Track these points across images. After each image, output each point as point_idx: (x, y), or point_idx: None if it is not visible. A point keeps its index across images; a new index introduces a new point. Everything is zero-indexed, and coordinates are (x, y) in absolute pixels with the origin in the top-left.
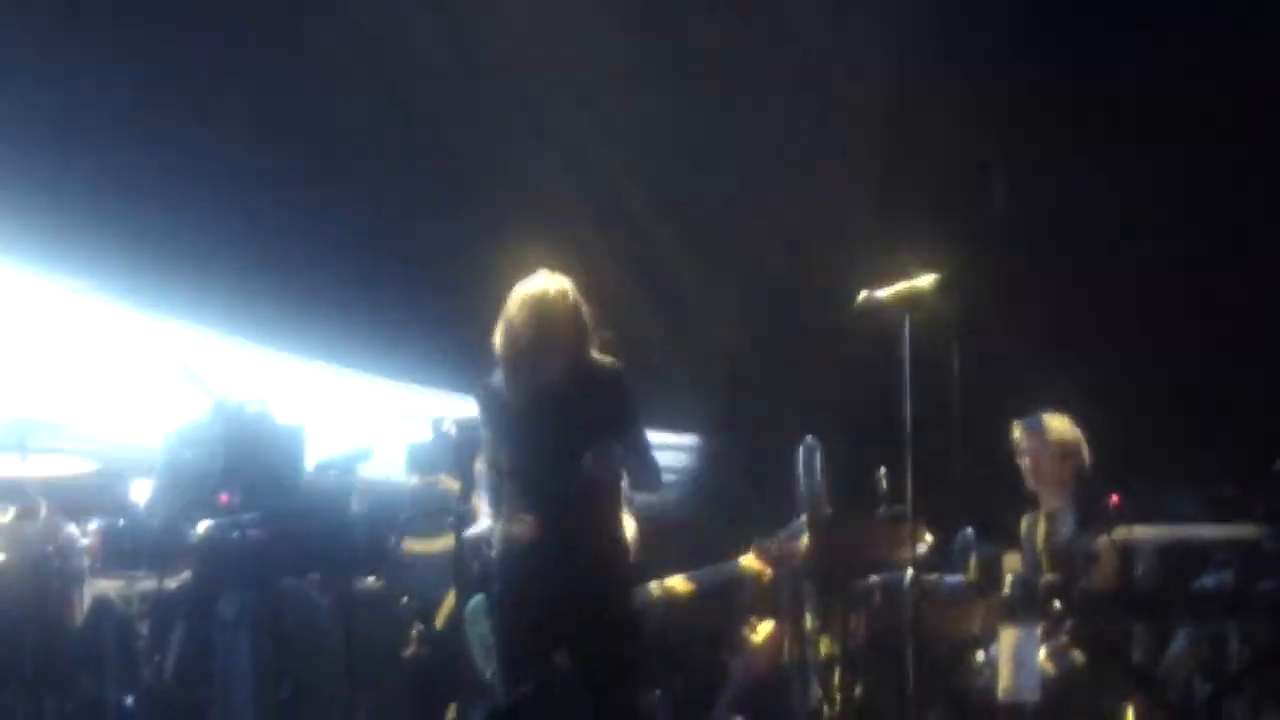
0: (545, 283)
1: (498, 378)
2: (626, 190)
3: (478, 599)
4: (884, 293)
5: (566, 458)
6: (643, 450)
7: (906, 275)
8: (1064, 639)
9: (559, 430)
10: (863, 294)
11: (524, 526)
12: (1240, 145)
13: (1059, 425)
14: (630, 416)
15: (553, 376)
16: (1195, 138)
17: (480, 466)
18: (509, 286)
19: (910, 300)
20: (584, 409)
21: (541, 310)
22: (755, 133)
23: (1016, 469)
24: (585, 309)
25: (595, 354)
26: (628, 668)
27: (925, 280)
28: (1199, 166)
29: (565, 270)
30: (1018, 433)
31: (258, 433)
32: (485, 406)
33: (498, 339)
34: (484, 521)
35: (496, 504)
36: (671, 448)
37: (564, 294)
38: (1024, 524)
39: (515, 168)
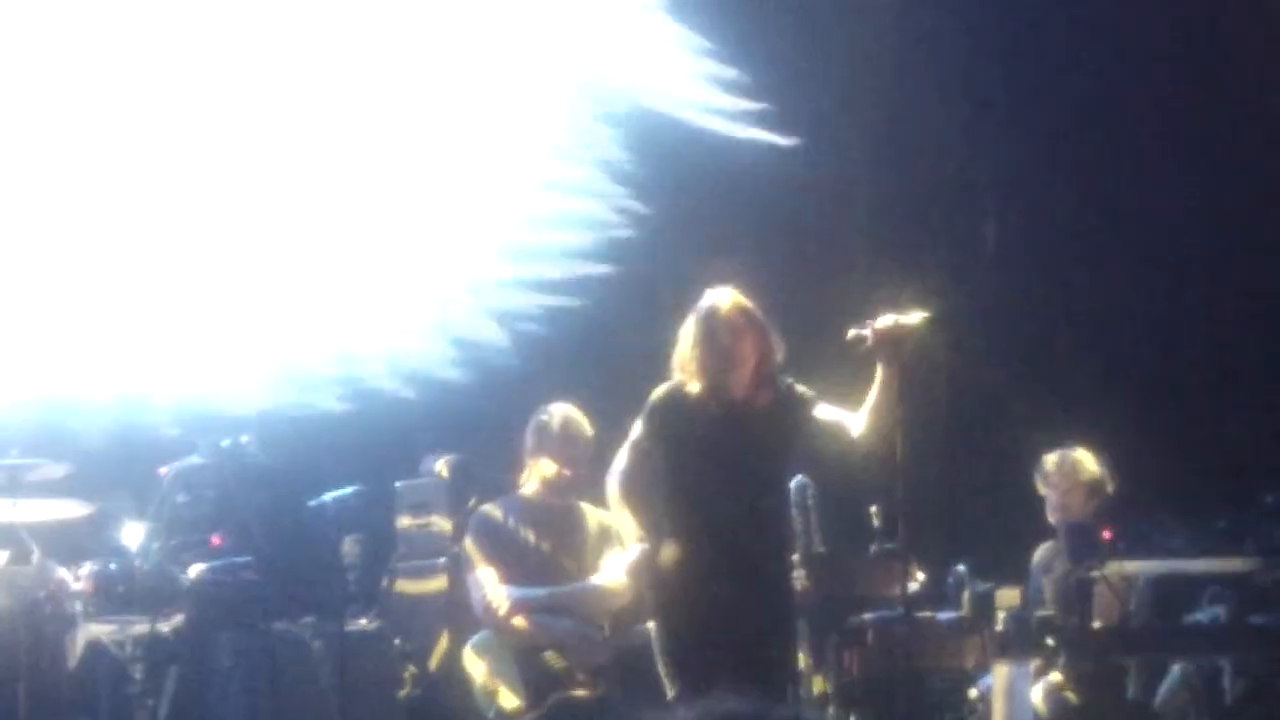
0: (731, 297)
1: (674, 391)
2: None
3: (480, 637)
4: (871, 329)
5: (754, 472)
6: (829, 422)
7: (897, 311)
8: (1058, 675)
9: (745, 447)
10: (851, 331)
11: (700, 550)
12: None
13: (1090, 463)
14: (806, 416)
15: (739, 391)
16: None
17: (616, 478)
18: None
19: (898, 337)
20: (768, 426)
21: (731, 322)
22: None
23: (1010, 505)
24: (770, 326)
25: (777, 371)
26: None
27: (915, 318)
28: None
29: None
30: (1050, 465)
31: (250, 475)
32: (661, 421)
33: (683, 350)
34: (635, 547)
35: (657, 526)
36: None
37: (749, 309)
38: (1038, 555)
39: None
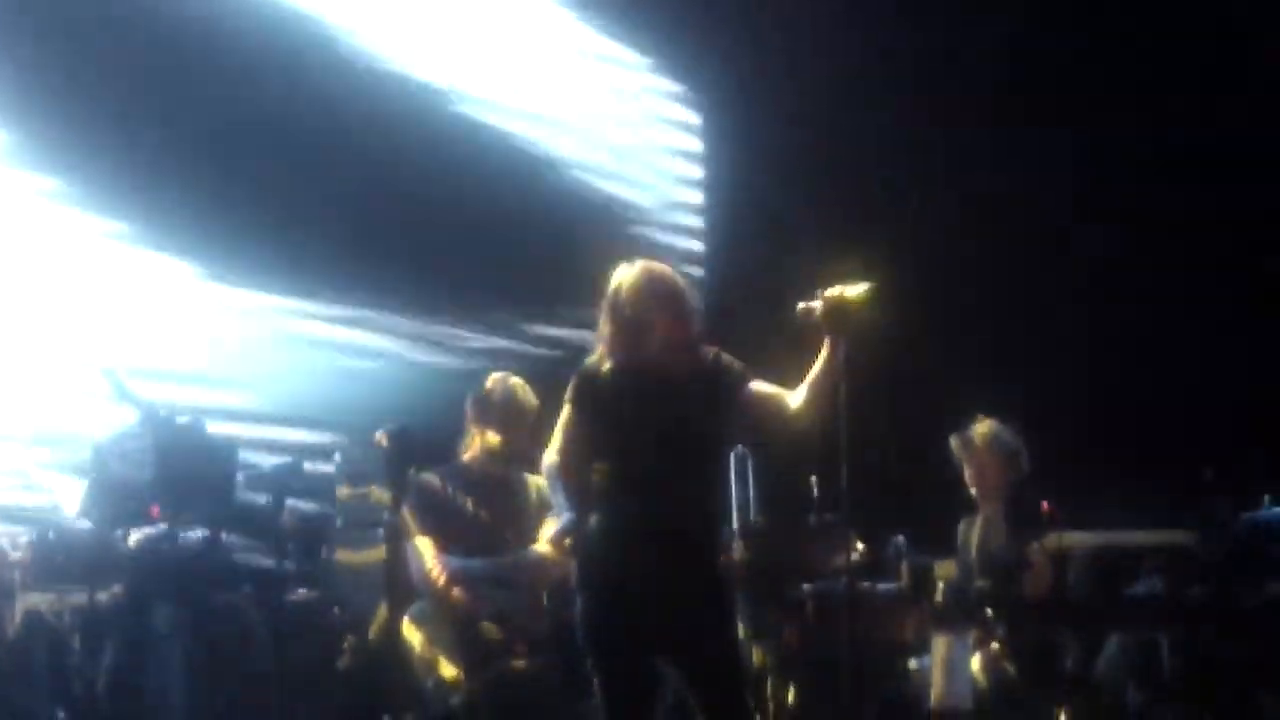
0: (635, 269)
1: (591, 367)
2: None
3: (418, 607)
4: (818, 302)
5: (671, 439)
6: (765, 396)
7: (841, 283)
8: (996, 646)
9: (662, 417)
10: (800, 304)
11: (624, 515)
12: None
13: (999, 432)
14: (732, 386)
15: (650, 363)
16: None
17: (551, 458)
18: None
19: (843, 309)
20: (685, 395)
21: (632, 295)
22: None
23: (949, 475)
24: (690, 292)
25: (697, 337)
26: (737, 659)
27: (858, 289)
28: (1128, 160)
29: None
30: (956, 442)
31: (188, 444)
32: (580, 397)
33: (605, 318)
34: (562, 516)
35: (581, 495)
36: None
37: (656, 279)
38: (960, 529)
39: None
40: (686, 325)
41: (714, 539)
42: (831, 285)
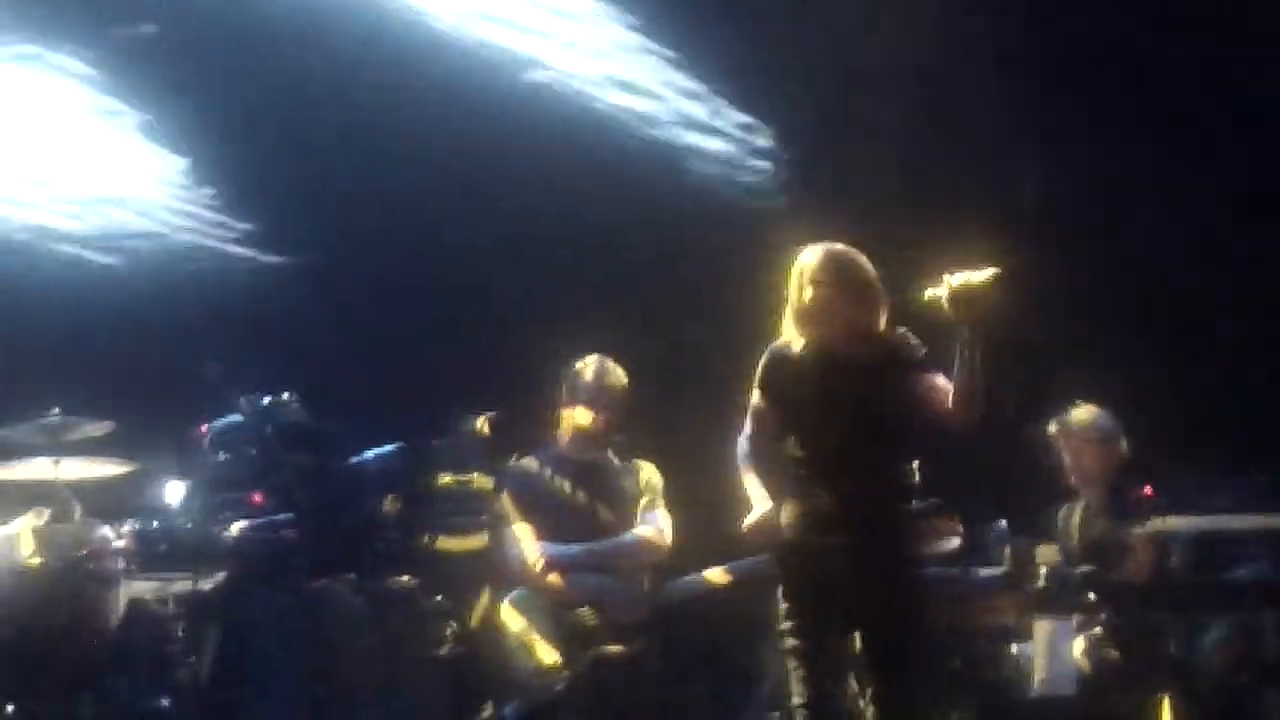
0: (820, 252)
1: (778, 350)
2: None
3: (518, 593)
4: (944, 289)
5: (859, 421)
6: (932, 390)
7: (964, 267)
8: (1098, 631)
9: (846, 401)
10: (927, 292)
11: (817, 500)
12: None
13: (1097, 417)
14: (908, 369)
15: (837, 345)
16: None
17: (745, 444)
18: None
19: (970, 295)
20: (869, 379)
21: (817, 278)
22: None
23: (1050, 461)
24: (870, 278)
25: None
26: (921, 648)
27: (984, 274)
28: (1235, 151)
29: None
30: (1055, 428)
31: (291, 432)
32: (768, 381)
33: (789, 300)
34: (757, 506)
35: (770, 480)
36: None
37: (843, 262)
38: (1060, 515)
39: None
40: (871, 307)
41: (905, 522)
42: (955, 271)
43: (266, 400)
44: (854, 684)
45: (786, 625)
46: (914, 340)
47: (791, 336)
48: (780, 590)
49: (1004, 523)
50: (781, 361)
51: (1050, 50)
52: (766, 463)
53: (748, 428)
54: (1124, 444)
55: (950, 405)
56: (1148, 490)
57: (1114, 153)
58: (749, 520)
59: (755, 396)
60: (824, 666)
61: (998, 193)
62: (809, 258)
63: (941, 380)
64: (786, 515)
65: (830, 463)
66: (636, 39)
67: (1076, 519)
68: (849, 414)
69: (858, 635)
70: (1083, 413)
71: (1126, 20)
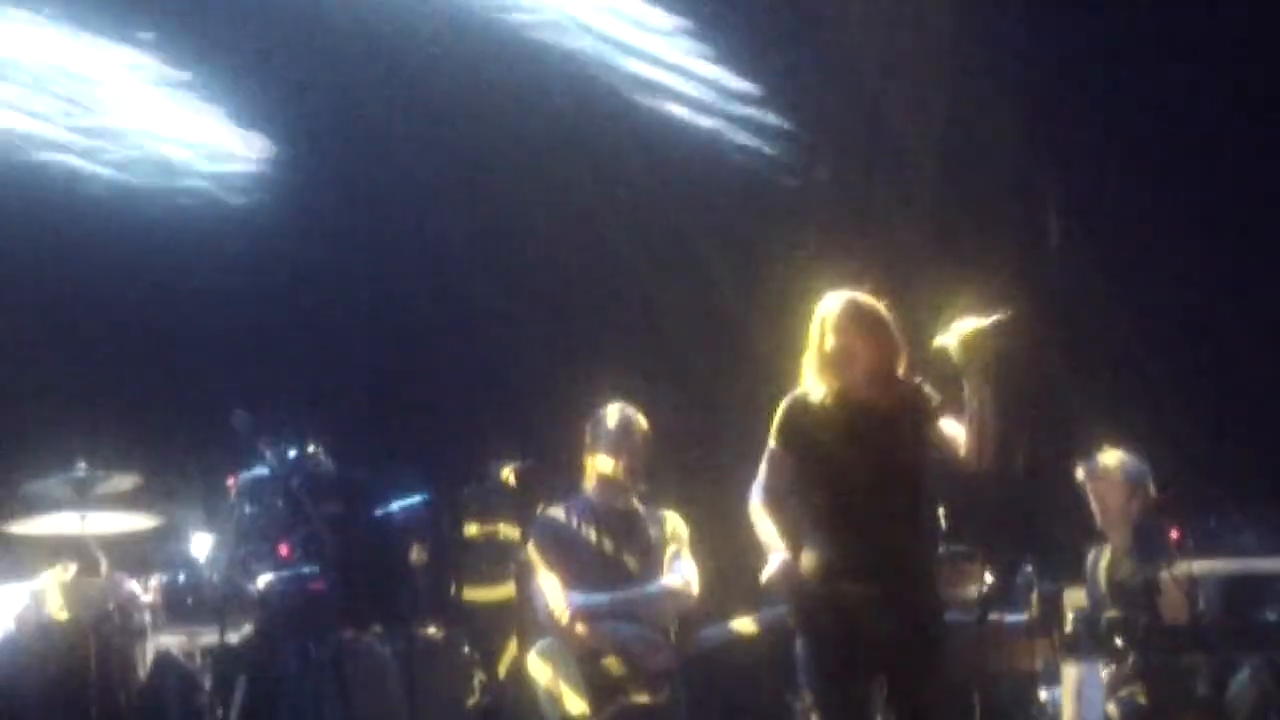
0: (843, 300)
1: (798, 398)
2: None
3: (545, 643)
4: (952, 337)
5: (881, 471)
6: (947, 438)
7: (972, 314)
8: (1127, 675)
9: (868, 449)
10: (936, 341)
11: (839, 550)
12: None
13: (1125, 461)
14: (926, 417)
15: (858, 393)
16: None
17: (759, 493)
18: None
19: (977, 343)
20: (890, 427)
21: (840, 325)
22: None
23: (1076, 504)
24: (889, 326)
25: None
26: (947, 694)
27: (990, 321)
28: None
29: None
30: (1082, 471)
31: (317, 484)
32: (788, 430)
33: (810, 348)
34: (775, 556)
35: (788, 530)
36: None
37: (864, 310)
38: (1089, 559)
39: None
40: (891, 355)
41: (932, 568)
42: (963, 319)
43: (293, 452)
44: None
45: (811, 673)
46: (929, 389)
47: (811, 385)
48: (801, 638)
49: (1030, 567)
50: (803, 410)
51: (1082, 87)
52: (781, 515)
53: (761, 476)
54: (1151, 487)
55: (962, 453)
56: (1176, 533)
57: (1145, 187)
58: (767, 572)
59: (772, 444)
60: (850, 713)
61: (1026, 229)
62: (830, 306)
63: (952, 427)
64: (808, 563)
65: (856, 510)
66: None
67: (1105, 562)
68: (874, 461)
69: (884, 681)
70: (1110, 456)
71: (1161, 52)
